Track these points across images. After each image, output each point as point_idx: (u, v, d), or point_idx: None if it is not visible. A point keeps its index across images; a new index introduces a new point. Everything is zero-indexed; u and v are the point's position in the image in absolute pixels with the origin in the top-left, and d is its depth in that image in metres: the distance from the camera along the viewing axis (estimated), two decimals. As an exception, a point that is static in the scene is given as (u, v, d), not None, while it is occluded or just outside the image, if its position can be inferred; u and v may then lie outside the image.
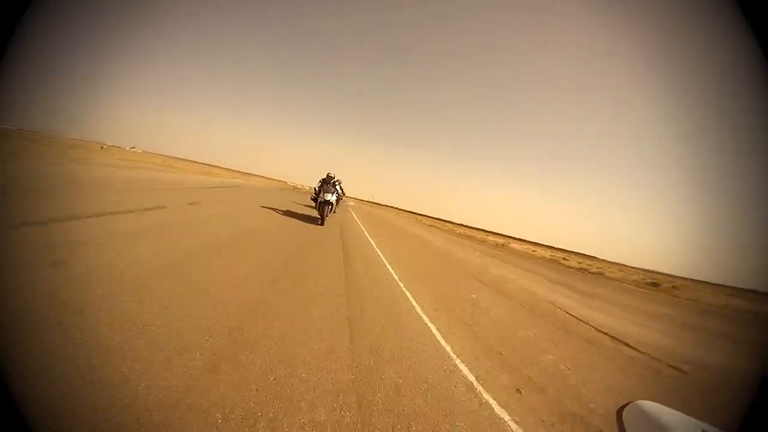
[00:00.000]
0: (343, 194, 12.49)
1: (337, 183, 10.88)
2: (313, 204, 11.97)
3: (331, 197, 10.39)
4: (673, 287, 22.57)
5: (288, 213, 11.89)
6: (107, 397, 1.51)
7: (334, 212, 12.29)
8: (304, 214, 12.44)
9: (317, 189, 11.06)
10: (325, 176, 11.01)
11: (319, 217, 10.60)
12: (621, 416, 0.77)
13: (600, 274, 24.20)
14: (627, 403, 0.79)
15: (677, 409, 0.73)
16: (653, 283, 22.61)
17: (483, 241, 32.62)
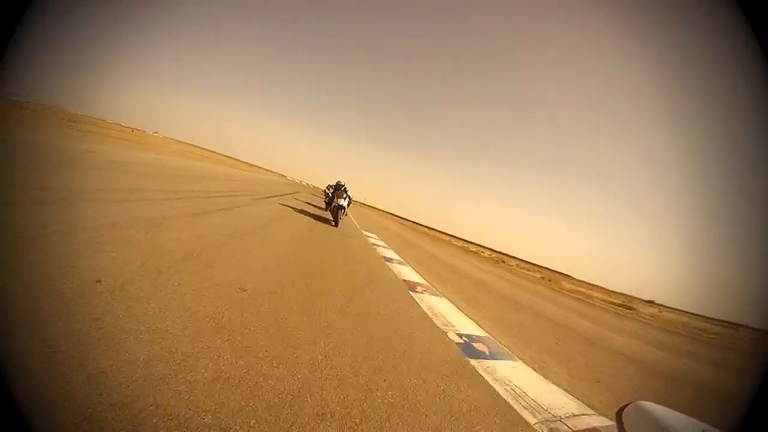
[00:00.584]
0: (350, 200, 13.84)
1: (346, 189, 12.27)
2: (325, 207, 14.64)
3: (344, 202, 11.90)
4: (517, 266, 36.36)
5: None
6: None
7: (346, 215, 14.13)
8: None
9: (330, 194, 12.77)
10: (335, 183, 12.61)
11: (332, 219, 11.95)
12: (621, 417, 0.77)
13: (477, 253, 36.89)
14: (627, 404, 0.79)
15: (677, 410, 0.73)
16: (501, 260, 37.00)
17: (425, 233, 44.66)
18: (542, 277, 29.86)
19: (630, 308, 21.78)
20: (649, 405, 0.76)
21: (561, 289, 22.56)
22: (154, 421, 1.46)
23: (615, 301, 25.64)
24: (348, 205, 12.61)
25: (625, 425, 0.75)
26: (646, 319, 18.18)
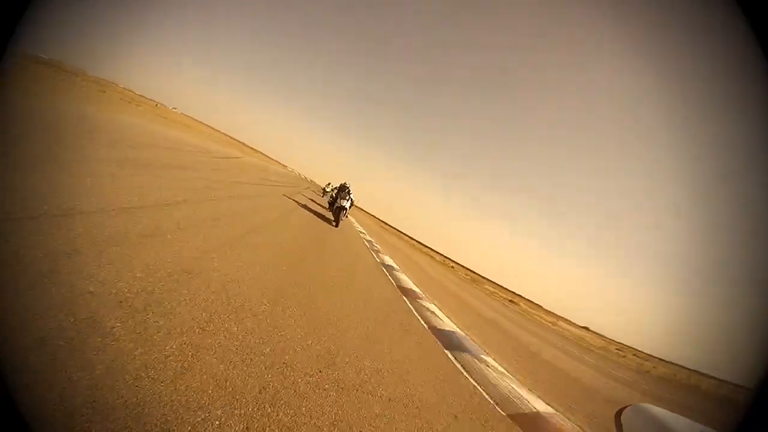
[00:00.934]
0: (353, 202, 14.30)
1: (350, 192, 12.47)
2: (328, 206, 15.34)
3: (346, 203, 12.23)
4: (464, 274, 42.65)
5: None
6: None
7: (346, 216, 14.18)
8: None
9: (334, 195, 13.31)
10: (339, 185, 12.92)
11: (334, 219, 12.29)
12: (620, 418, 0.77)
13: (436, 259, 44.24)
14: (626, 406, 0.79)
15: (676, 412, 0.73)
16: (450, 266, 43.30)
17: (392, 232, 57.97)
18: (469, 277, 40.41)
19: (512, 302, 30.21)
20: (648, 407, 0.76)
21: (475, 283, 32.78)
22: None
23: (506, 297, 35.14)
24: (350, 206, 13.05)
25: (624, 427, 0.76)
26: (507, 305, 25.86)
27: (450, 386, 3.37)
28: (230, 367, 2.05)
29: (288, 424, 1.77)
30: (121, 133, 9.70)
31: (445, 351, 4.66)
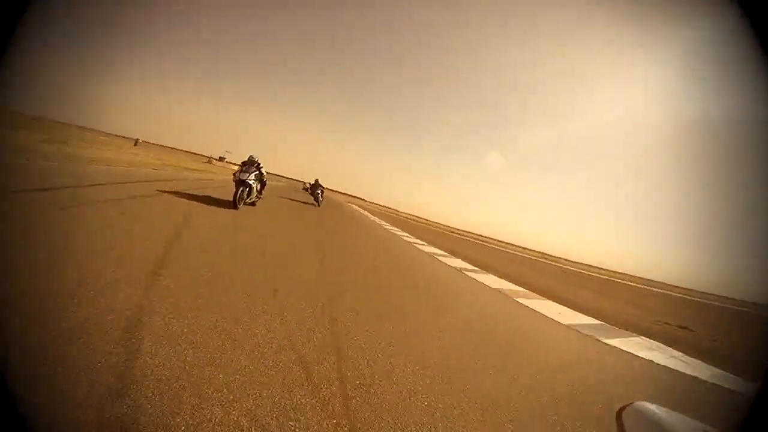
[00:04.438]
0: (264, 179, 10.57)
1: (259, 166, 9.72)
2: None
3: (250, 176, 9.16)
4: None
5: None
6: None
7: (258, 196, 10.37)
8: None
9: (238, 171, 9.59)
10: (246, 158, 9.85)
11: (232, 200, 8.87)
12: (621, 418, 0.77)
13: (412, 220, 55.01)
14: (627, 405, 0.79)
15: (678, 411, 0.73)
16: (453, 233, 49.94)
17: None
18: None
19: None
20: (650, 406, 0.76)
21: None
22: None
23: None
24: (262, 185, 10.26)
25: (625, 426, 0.76)
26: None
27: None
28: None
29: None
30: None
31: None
